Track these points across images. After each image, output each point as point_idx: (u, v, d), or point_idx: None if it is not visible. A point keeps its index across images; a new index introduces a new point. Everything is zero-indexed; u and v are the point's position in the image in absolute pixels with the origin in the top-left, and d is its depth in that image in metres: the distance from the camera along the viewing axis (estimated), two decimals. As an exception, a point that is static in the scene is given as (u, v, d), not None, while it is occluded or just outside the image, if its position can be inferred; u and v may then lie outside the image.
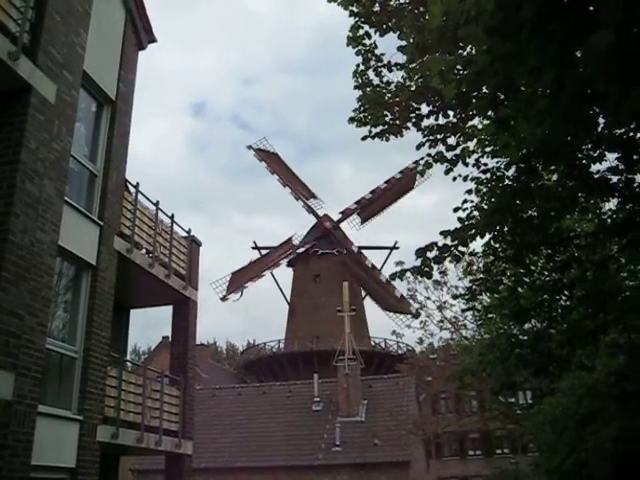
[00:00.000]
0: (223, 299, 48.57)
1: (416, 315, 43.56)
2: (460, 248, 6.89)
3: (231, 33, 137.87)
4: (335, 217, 51.04)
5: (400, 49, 7.72)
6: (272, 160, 51.95)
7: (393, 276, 7.25)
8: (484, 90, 5.33)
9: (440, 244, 6.83)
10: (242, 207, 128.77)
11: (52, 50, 8.87)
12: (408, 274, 7.38)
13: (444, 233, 6.85)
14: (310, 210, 50.90)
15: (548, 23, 4.01)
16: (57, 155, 8.88)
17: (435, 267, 7.10)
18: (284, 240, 52.07)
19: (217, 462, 27.48)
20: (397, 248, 50.10)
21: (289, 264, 53.87)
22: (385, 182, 50.38)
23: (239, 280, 49.15)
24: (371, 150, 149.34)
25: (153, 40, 13.24)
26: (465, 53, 6.48)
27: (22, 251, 7.85)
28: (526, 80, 4.22)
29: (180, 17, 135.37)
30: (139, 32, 12.75)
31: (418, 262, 6.98)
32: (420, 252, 6.76)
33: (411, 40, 7.47)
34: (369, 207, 50.21)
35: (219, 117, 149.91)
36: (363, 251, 52.26)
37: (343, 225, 51.18)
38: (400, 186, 49.93)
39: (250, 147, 52.22)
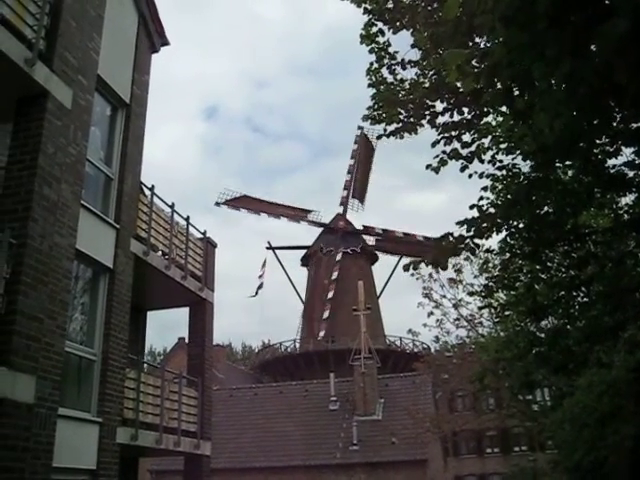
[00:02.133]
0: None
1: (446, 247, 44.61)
2: (476, 240, 6.86)
3: (242, 38, 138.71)
4: (337, 212, 52.07)
5: (414, 42, 7.70)
6: (247, 202, 52.54)
7: (407, 267, 7.22)
8: (499, 86, 5.31)
9: (456, 234, 6.79)
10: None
11: (67, 55, 8.93)
12: (421, 269, 7.35)
13: (460, 222, 6.82)
14: (316, 224, 51.65)
15: (564, 14, 3.99)
16: (73, 159, 8.94)
17: (450, 261, 7.06)
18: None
19: (235, 462, 27.59)
20: (410, 245, 50.05)
21: (303, 263, 54.05)
22: (351, 157, 52.95)
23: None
24: (382, 151, 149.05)
25: (166, 43, 13.29)
26: (481, 46, 6.47)
27: (41, 255, 7.91)
28: (543, 71, 4.20)
29: (192, 23, 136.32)
30: (152, 35, 12.80)
31: None
32: (436, 242, 6.73)
33: (425, 35, 7.45)
34: (356, 185, 52.12)
35: (232, 121, 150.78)
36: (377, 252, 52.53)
37: (349, 214, 52.30)
38: (364, 153, 52.35)
39: (218, 204, 52.46)
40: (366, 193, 52.98)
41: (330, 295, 47.74)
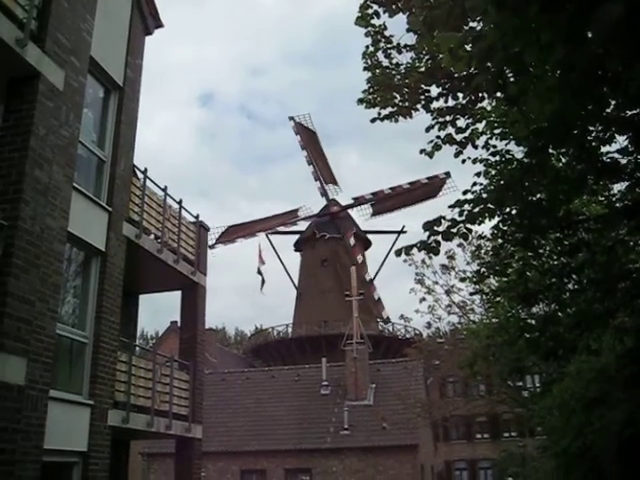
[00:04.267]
0: (211, 247, 48.26)
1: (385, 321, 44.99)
2: (468, 225, 6.84)
3: (237, 25, 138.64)
4: (346, 202, 51.30)
5: (408, 26, 7.64)
6: (307, 137, 52.19)
7: (399, 252, 7.17)
8: (492, 70, 5.29)
9: (448, 218, 6.77)
10: (249, 195, 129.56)
11: (60, 36, 8.84)
12: (414, 255, 7.35)
13: (453, 205, 6.80)
14: (324, 193, 51.12)
15: None
16: (65, 141, 8.89)
17: (443, 246, 7.02)
18: (289, 210, 52.44)
19: (226, 446, 27.71)
20: (405, 232, 49.93)
21: (296, 249, 54.06)
22: (409, 183, 49.68)
23: (233, 234, 49.83)
24: (377, 138, 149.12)
25: (160, 25, 13.18)
26: (476, 30, 6.44)
27: (32, 238, 7.88)
28: (537, 57, 4.17)
29: (187, 10, 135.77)
30: (146, 17, 12.70)
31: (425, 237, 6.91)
32: (428, 225, 6.69)
33: (420, 18, 7.41)
34: (384, 202, 49.63)
35: (227, 108, 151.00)
36: (370, 236, 52.52)
37: (353, 212, 51.45)
38: (423, 191, 48.95)
39: (292, 118, 52.70)
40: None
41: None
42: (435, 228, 6.68)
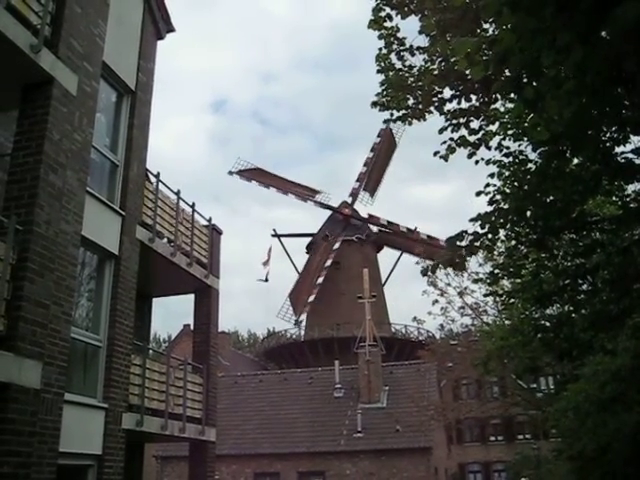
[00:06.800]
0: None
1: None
2: (490, 236, 6.79)
3: (249, 33, 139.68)
4: (344, 200, 52.18)
5: (422, 28, 7.63)
6: (259, 175, 52.60)
7: (425, 271, 7.16)
8: (507, 73, 5.26)
9: (470, 231, 6.72)
10: (262, 200, 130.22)
11: (73, 42, 8.89)
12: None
13: (474, 219, 6.74)
14: (323, 205, 51.50)
15: None
16: (79, 146, 8.92)
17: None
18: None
19: (240, 449, 27.73)
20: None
21: (308, 251, 54.08)
22: (371, 150, 53.16)
23: (299, 298, 48.80)
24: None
25: (171, 30, 13.22)
26: (489, 33, 6.41)
27: (47, 242, 7.91)
28: (553, 58, 4.13)
29: (200, 18, 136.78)
30: (157, 22, 12.73)
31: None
32: (451, 241, 6.60)
33: (433, 21, 7.40)
34: (370, 178, 52.17)
35: (239, 114, 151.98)
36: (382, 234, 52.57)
37: (357, 206, 52.28)
38: (385, 148, 52.80)
39: (231, 173, 52.76)
40: (378, 188, 52.89)
41: (320, 280, 47.57)
42: (458, 243, 6.60)
